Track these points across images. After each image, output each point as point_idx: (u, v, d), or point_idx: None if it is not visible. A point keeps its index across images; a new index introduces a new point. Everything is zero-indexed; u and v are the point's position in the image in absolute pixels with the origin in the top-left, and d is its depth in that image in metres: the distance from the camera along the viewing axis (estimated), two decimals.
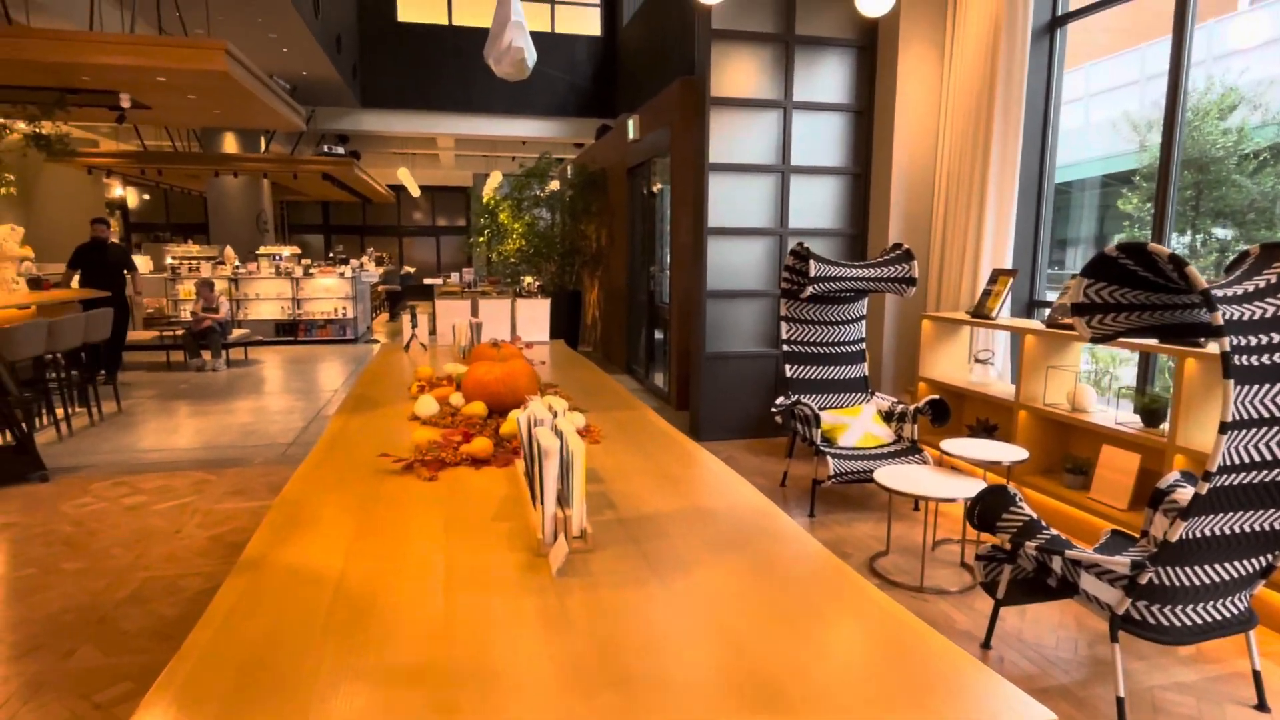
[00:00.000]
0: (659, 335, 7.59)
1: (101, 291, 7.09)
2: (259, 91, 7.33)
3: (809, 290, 4.03)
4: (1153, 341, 3.24)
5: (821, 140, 5.45)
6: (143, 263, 10.61)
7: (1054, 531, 2.44)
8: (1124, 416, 3.56)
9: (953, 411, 4.35)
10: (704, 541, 1.49)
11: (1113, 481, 3.47)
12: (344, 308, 10.99)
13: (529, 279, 10.41)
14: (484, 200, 10.50)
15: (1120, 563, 2.11)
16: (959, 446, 3.50)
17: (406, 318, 4.11)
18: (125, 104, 6.94)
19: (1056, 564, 2.28)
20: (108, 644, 2.66)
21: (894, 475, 3.18)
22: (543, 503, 1.40)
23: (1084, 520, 3.58)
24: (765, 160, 5.37)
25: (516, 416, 2.23)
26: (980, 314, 4.39)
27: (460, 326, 3.78)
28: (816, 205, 5.52)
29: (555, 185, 10.19)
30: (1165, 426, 3.31)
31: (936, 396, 4.00)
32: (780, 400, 4.31)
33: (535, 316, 4.36)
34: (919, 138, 5.22)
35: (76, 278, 7.31)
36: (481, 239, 10.55)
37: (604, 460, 2.04)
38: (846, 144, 5.49)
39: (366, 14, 13.53)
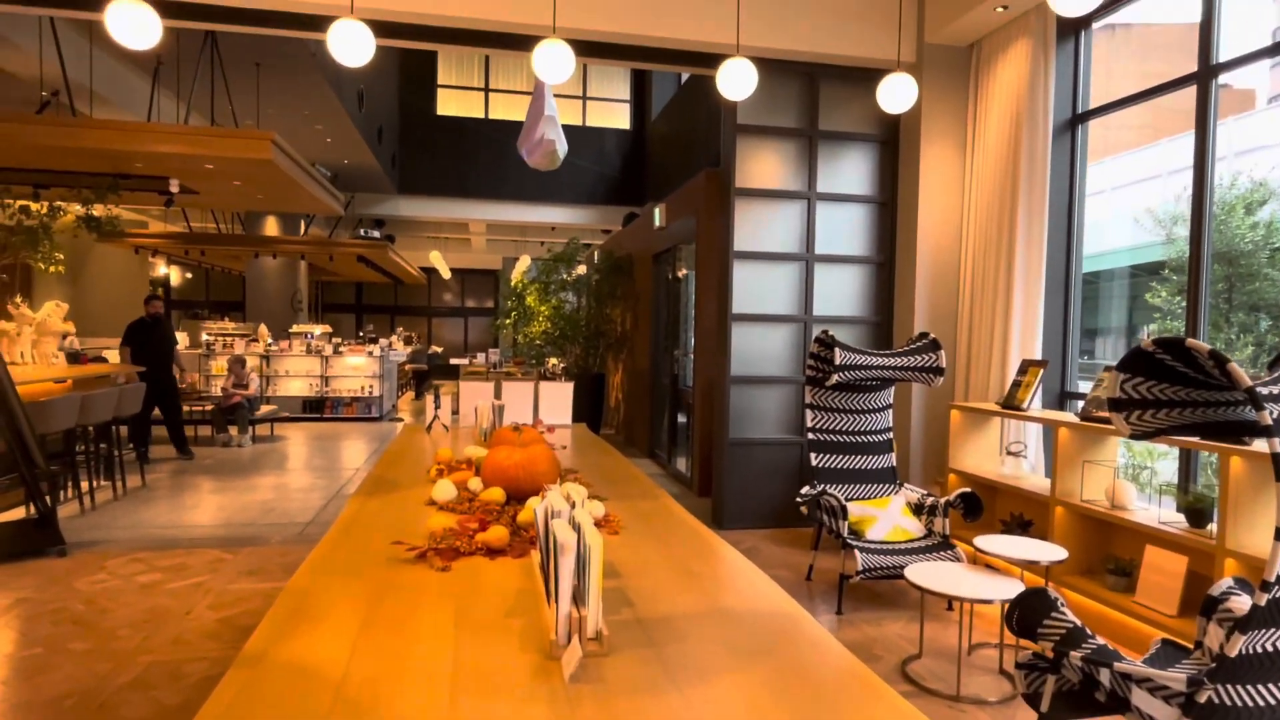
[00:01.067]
0: (682, 419, 7.53)
1: (139, 367, 7.23)
2: (301, 179, 7.66)
3: (834, 378, 3.99)
4: (1194, 438, 3.12)
5: (845, 230, 5.52)
6: (180, 339, 10.89)
7: (1101, 640, 2.29)
8: (1167, 515, 3.41)
9: (985, 505, 4.20)
10: (725, 646, 1.41)
11: (1159, 585, 3.28)
12: (371, 386, 11.11)
13: (553, 360, 10.50)
14: (512, 283, 10.72)
15: (1175, 678, 1.96)
16: (994, 544, 3.36)
17: (430, 398, 4.12)
18: (174, 189, 7.27)
19: (1105, 676, 2.13)
20: None
21: (927, 573, 3.04)
22: (557, 601, 1.34)
23: (1130, 626, 3.38)
24: (789, 249, 5.43)
25: (534, 506, 2.18)
26: (1011, 405, 4.30)
27: (483, 408, 3.77)
28: (841, 293, 5.54)
29: (582, 270, 10.40)
30: (1212, 527, 3.16)
31: (968, 490, 3.88)
32: (805, 490, 4.20)
33: (558, 400, 4.35)
34: (942, 228, 5.26)
35: (128, 352, 7.43)
36: (508, 321, 10.71)
37: (623, 553, 1.97)
38: (870, 234, 5.55)
39: (407, 108, 14.25)
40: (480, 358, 13.25)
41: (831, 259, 5.48)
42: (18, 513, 4.76)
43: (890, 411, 4.45)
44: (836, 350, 3.95)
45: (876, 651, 3.38)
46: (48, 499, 4.52)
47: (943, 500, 3.98)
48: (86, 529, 5.07)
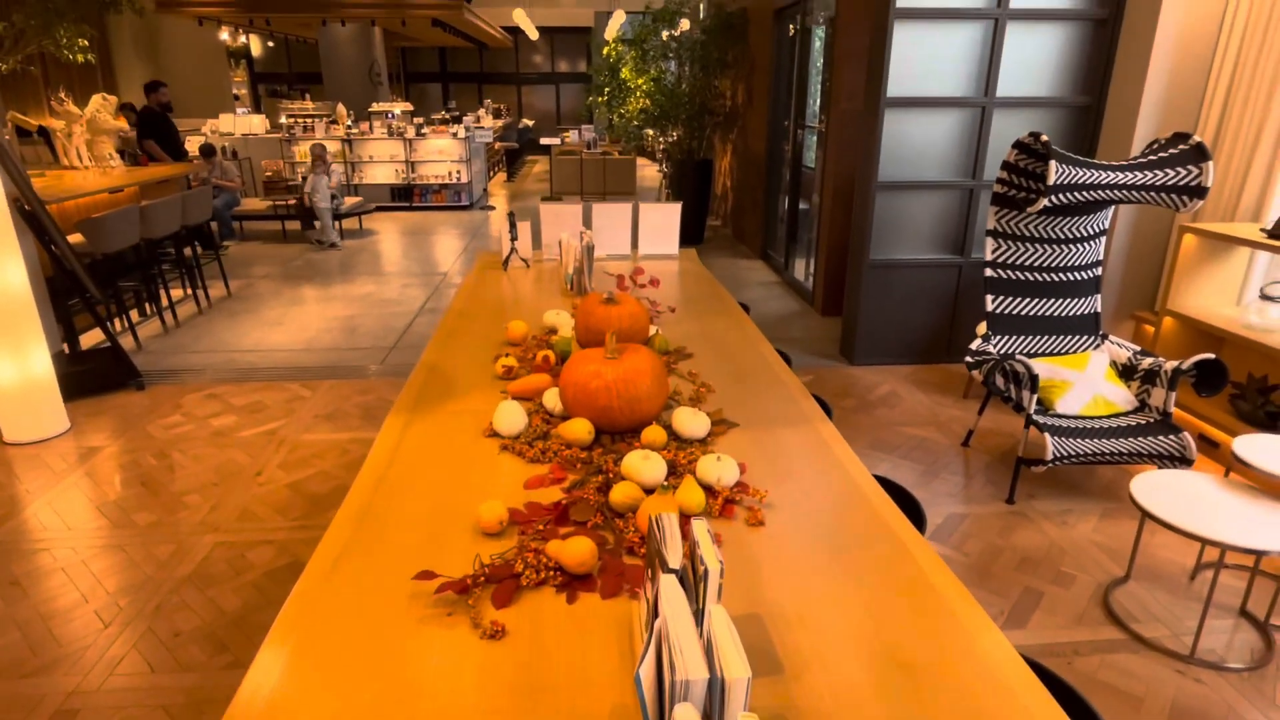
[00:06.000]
0: (803, 206, 6.49)
1: (179, 163, 6.65)
2: None
3: (1042, 203, 2.89)
4: None
5: None
6: (259, 122, 10.26)
7: None
8: None
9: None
10: None
11: None
12: (458, 171, 10.34)
13: (651, 132, 9.28)
14: (604, 53, 9.27)
15: None
16: (1258, 449, 2.44)
17: (505, 227, 3.33)
18: None
19: None
20: (151, 654, 2.26)
21: (1163, 493, 2.22)
22: None
23: None
24: (970, 1, 3.99)
25: (635, 465, 1.41)
26: None
27: (568, 244, 2.98)
28: (1037, 63, 4.14)
29: (685, 25, 8.75)
30: None
31: (1210, 355, 2.88)
32: (977, 345, 3.30)
33: (662, 225, 3.47)
34: None
35: (153, 147, 6.81)
36: (602, 99, 9.41)
37: (775, 581, 1.24)
38: None
39: None
40: (573, 135, 12.09)
41: (1030, 15, 4.03)
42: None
43: (1103, 240, 3.34)
44: (1052, 165, 2.81)
45: (1065, 567, 2.67)
46: (109, 327, 4.20)
47: (1168, 365, 3.01)
48: (169, 352, 4.83)
